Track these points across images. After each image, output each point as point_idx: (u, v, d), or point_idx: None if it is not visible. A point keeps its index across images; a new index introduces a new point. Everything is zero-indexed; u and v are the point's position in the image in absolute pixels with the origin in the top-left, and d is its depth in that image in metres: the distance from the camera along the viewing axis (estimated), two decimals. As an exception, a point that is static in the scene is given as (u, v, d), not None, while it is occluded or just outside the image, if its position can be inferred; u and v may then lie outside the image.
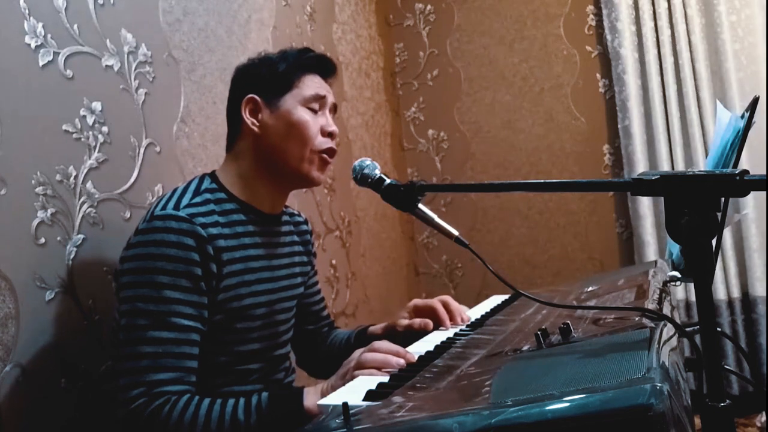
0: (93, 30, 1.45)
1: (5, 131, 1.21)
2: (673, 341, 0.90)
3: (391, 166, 3.21)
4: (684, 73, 2.92)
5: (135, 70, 1.57)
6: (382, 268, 2.98)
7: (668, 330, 0.91)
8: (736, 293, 2.92)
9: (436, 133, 3.39)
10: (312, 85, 1.35)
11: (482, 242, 3.26)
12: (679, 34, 2.93)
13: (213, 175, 1.35)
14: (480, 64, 3.31)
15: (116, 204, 1.47)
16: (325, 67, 1.40)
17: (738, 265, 2.94)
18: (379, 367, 1.08)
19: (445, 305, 1.45)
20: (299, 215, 1.54)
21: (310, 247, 1.54)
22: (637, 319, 0.98)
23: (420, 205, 1.18)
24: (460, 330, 1.37)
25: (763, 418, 2.61)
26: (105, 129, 1.45)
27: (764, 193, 2.41)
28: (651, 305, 1.08)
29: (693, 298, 2.87)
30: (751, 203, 2.86)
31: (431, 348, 1.19)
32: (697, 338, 0.79)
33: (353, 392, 0.95)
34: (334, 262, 2.50)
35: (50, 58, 1.33)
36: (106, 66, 1.49)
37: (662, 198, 0.81)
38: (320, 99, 1.35)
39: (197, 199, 1.26)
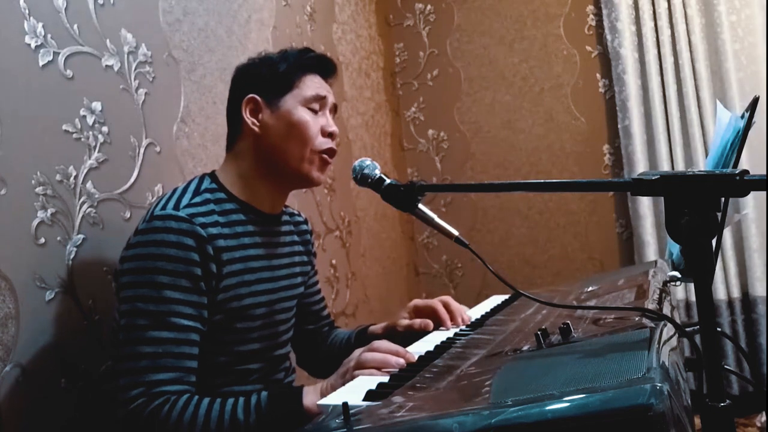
0: (93, 30, 1.45)
1: (5, 131, 1.21)
2: (673, 341, 0.90)
3: (391, 166, 3.21)
4: (684, 73, 2.92)
5: (135, 70, 1.57)
6: (382, 268, 2.98)
7: (668, 330, 0.91)
8: (736, 293, 2.92)
9: (436, 133, 3.39)
10: (312, 85, 1.35)
11: (482, 242, 3.26)
12: (679, 34, 2.93)
13: (213, 175, 1.35)
14: (480, 64, 3.31)
15: (116, 204, 1.47)
16: (326, 67, 1.40)
17: (738, 265, 2.94)
18: (378, 367, 1.08)
19: (446, 305, 1.45)
20: (299, 215, 1.54)
21: (310, 246, 1.54)
22: (637, 319, 0.98)
23: (420, 205, 1.18)
24: (460, 330, 1.37)
25: (763, 418, 2.61)
26: (105, 129, 1.45)
27: (764, 193, 2.41)
28: (651, 305, 1.08)
29: (693, 298, 2.87)
30: (751, 203, 2.86)
31: (431, 348, 1.19)
32: (697, 338, 0.79)
33: (353, 392, 0.95)
34: (334, 262, 2.50)
35: (50, 58, 1.33)
36: (106, 66, 1.49)
37: (662, 198, 0.81)
38: (321, 99, 1.35)
39: (197, 199, 1.26)
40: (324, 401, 0.94)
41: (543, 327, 1.01)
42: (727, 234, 2.91)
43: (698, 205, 0.78)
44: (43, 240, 1.27)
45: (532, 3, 3.23)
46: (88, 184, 1.39)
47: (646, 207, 2.97)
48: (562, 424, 0.64)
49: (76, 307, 1.33)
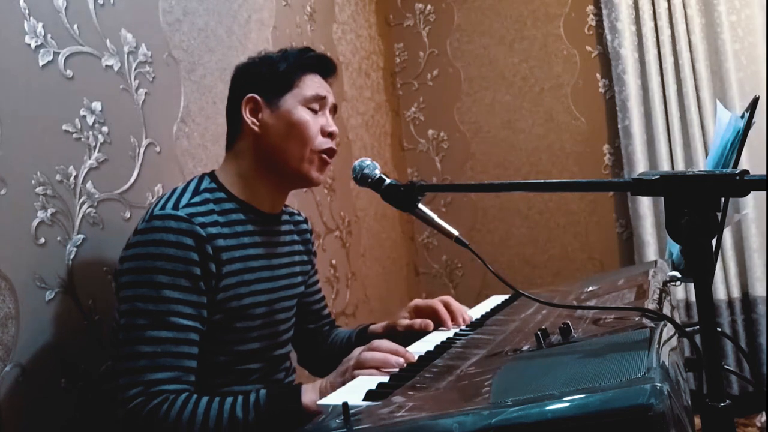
0: (93, 30, 1.45)
1: (5, 131, 1.21)
2: (673, 341, 0.90)
3: (391, 166, 3.21)
4: (684, 73, 2.92)
5: (135, 70, 1.57)
6: (382, 268, 2.98)
7: (668, 330, 0.91)
8: (736, 293, 2.92)
9: (436, 133, 3.39)
10: (312, 85, 1.35)
11: (482, 242, 3.26)
12: (679, 34, 2.93)
13: (212, 175, 1.35)
14: (480, 64, 3.31)
15: (116, 204, 1.47)
16: (326, 67, 1.40)
17: (738, 265, 2.94)
18: (378, 367, 1.08)
19: (446, 305, 1.45)
20: (299, 214, 1.54)
21: (310, 246, 1.54)
22: (637, 319, 0.98)
23: (420, 205, 1.18)
24: (460, 330, 1.37)
25: (763, 418, 2.62)
26: (105, 129, 1.45)
27: (764, 193, 2.41)
28: (651, 305, 1.08)
29: (693, 298, 2.87)
30: (751, 203, 2.86)
31: (431, 348, 1.19)
32: (697, 338, 0.79)
33: (353, 392, 0.95)
34: (334, 262, 2.50)
35: (50, 58, 1.33)
36: (106, 66, 1.49)
37: (662, 198, 0.81)
38: (320, 99, 1.35)
39: (196, 199, 1.26)
40: (324, 401, 0.94)
41: (543, 327, 1.01)
42: (727, 234, 2.91)
43: (698, 205, 0.78)
44: (43, 240, 1.27)
45: (532, 3, 3.23)
46: (88, 184, 1.39)
47: (646, 207, 2.97)
48: (562, 424, 0.64)
49: (76, 307, 1.33)
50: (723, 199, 0.83)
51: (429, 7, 3.37)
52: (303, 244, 1.50)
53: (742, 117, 1.19)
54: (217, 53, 1.89)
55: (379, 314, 2.74)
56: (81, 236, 1.36)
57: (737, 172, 0.78)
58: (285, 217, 1.45)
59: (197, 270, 1.19)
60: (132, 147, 1.53)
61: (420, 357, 1.12)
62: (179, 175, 1.67)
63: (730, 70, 2.88)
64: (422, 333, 1.38)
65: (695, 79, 2.92)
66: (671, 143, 2.96)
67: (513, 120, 3.27)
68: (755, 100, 1.17)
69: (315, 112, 1.34)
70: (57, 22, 1.36)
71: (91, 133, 1.41)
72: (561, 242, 3.22)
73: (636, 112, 2.98)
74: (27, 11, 1.29)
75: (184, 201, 1.24)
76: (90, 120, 1.41)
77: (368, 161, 1.23)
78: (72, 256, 1.33)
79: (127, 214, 1.49)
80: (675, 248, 1.47)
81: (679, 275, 1.33)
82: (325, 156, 1.35)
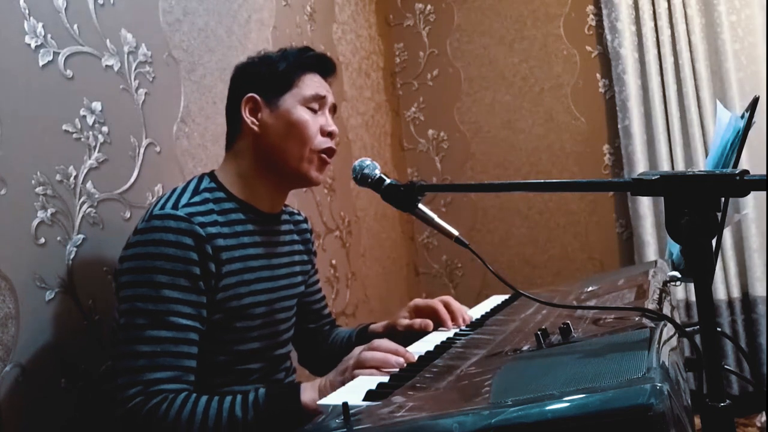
0: (93, 30, 1.45)
1: (5, 131, 1.21)
2: (673, 341, 0.90)
3: (391, 166, 3.21)
4: (684, 73, 2.92)
5: (135, 70, 1.57)
6: (382, 268, 2.98)
7: (668, 330, 0.91)
8: (736, 293, 2.92)
9: (436, 133, 3.39)
10: (312, 84, 1.35)
11: (482, 242, 3.26)
12: (679, 34, 2.93)
13: (212, 175, 1.35)
14: (480, 64, 3.31)
15: (116, 204, 1.47)
16: (325, 67, 1.40)
17: (738, 265, 2.94)
18: (378, 366, 1.08)
19: (446, 305, 1.45)
20: (299, 214, 1.54)
21: (310, 245, 1.53)
22: (637, 319, 0.98)
23: (420, 205, 1.18)
24: (460, 330, 1.37)
25: (763, 418, 2.61)
26: (105, 129, 1.45)
27: (764, 193, 2.41)
28: (651, 305, 1.08)
29: (693, 298, 2.87)
30: (751, 203, 2.86)
31: (431, 348, 1.19)
32: (697, 338, 0.79)
33: (353, 392, 0.95)
34: (334, 262, 2.50)
35: (50, 58, 1.33)
36: (106, 66, 1.49)
37: (662, 198, 0.81)
38: (320, 99, 1.35)
39: (196, 199, 1.26)
40: (324, 401, 0.94)
41: (543, 327, 1.01)
42: (727, 234, 2.91)
43: (698, 205, 0.78)
44: (43, 240, 1.27)
45: (532, 3, 3.23)
46: (88, 184, 1.39)
47: (646, 207, 2.97)
48: (562, 424, 0.64)
49: (76, 307, 1.33)
50: (723, 199, 0.83)
51: (429, 7, 3.37)
52: (303, 244, 1.50)
53: (742, 117, 1.19)
54: (217, 53, 1.89)
55: (379, 314, 2.74)
56: (81, 236, 1.36)
57: (737, 172, 0.78)
58: (285, 217, 1.45)
59: (197, 270, 1.19)
60: (132, 147, 1.53)
61: (420, 357, 1.12)
62: (179, 175, 1.67)
63: (730, 70, 2.88)
64: (422, 333, 1.38)
65: (695, 79, 2.92)
66: (671, 143, 2.96)
67: (513, 120, 3.27)
68: (755, 100, 1.17)
69: (314, 111, 1.34)
70: (57, 22, 1.36)
71: (91, 133, 1.41)
72: (561, 242, 3.22)
73: (636, 112, 2.98)
74: (27, 11, 1.29)
75: (183, 201, 1.24)
76: (90, 120, 1.41)
77: (368, 161, 1.23)
78: (72, 256, 1.33)
79: (127, 214, 1.49)
80: (675, 248, 1.47)
81: (679, 275, 1.33)
82: (324, 156, 1.35)
